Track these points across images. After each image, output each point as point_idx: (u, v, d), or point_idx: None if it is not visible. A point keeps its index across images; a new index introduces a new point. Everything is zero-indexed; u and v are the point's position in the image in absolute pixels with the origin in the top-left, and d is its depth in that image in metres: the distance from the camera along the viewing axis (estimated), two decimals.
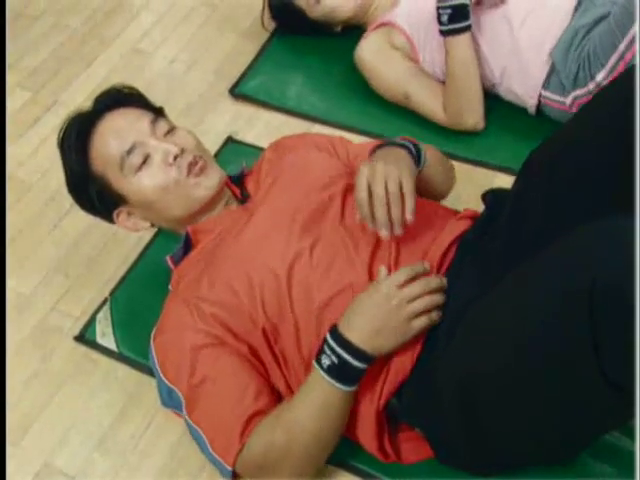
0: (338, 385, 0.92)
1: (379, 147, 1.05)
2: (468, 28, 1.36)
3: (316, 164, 1.16)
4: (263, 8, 1.73)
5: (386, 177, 0.93)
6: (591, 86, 1.27)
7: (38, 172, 1.56)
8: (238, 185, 1.18)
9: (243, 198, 1.14)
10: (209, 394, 0.98)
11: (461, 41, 1.37)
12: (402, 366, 0.96)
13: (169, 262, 1.13)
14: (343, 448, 1.01)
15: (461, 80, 1.40)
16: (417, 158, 1.04)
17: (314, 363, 0.93)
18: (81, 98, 1.69)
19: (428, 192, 1.14)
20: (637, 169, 0.76)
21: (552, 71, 1.34)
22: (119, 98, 1.11)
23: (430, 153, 1.10)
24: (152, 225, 1.16)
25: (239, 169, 1.21)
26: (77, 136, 1.08)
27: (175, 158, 1.05)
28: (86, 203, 1.14)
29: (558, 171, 0.89)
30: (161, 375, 1.02)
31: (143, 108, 1.11)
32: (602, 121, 0.87)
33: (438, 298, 0.93)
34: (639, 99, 0.80)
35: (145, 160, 1.05)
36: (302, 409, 0.93)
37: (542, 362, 0.75)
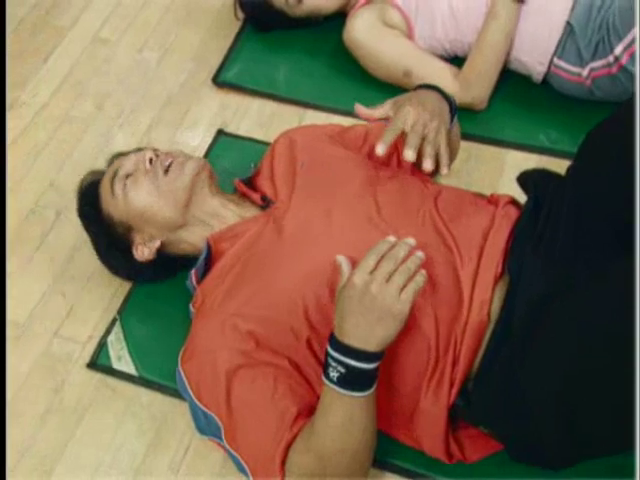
0: (355, 394, 0.86)
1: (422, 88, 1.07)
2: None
3: (336, 160, 1.11)
4: (235, 3, 1.59)
5: (424, 125, 0.97)
6: (610, 58, 1.23)
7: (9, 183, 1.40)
8: (251, 187, 1.13)
9: (265, 203, 1.09)
10: (247, 420, 0.92)
11: (513, 9, 1.29)
12: (468, 365, 0.93)
13: (193, 278, 1.07)
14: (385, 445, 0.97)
15: (493, 49, 1.33)
16: (452, 116, 1.06)
17: (323, 379, 0.88)
18: (46, 96, 1.54)
19: None
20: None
21: (568, 38, 1.28)
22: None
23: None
24: (162, 247, 1.11)
25: (250, 171, 1.16)
26: (87, 203, 1.14)
27: (151, 161, 1.08)
28: (119, 256, 1.15)
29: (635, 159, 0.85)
30: (195, 401, 0.96)
31: None
32: None
33: (414, 261, 0.86)
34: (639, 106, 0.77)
35: (128, 177, 1.08)
36: (327, 431, 0.88)
37: None
